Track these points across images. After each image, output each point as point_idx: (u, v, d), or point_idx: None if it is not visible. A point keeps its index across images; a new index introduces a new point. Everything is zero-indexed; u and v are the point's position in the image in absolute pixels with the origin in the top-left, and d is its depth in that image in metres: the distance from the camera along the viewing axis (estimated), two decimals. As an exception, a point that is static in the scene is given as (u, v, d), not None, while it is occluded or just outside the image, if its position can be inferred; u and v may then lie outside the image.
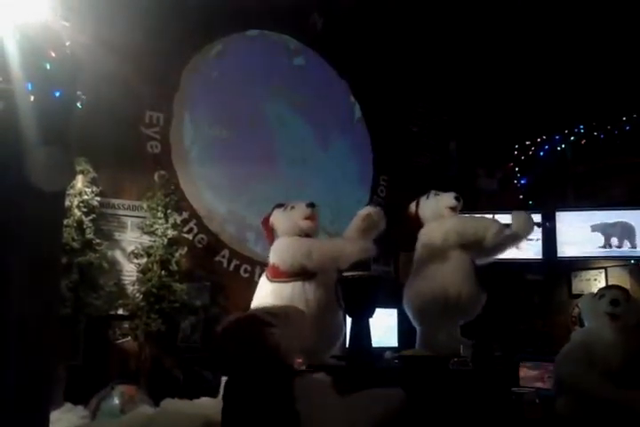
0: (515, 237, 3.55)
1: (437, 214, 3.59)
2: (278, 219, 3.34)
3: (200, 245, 4.30)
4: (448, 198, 3.61)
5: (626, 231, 5.01)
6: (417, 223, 3.66)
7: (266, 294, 3.19)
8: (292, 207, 3.33)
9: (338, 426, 2.04)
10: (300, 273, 3.12)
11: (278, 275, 3.17)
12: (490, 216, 3.71)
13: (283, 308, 2.45)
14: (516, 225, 3.54)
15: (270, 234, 3.40)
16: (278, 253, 3.19)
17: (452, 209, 3.59)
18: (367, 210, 3.23)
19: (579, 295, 5.12)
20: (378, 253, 3.19)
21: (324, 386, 2.11)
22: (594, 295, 3.48)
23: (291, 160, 4.91)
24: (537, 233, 5.13)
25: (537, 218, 5.15)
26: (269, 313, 2.20)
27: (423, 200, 3.70)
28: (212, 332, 3.69)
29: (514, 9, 5.26)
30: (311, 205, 3.28)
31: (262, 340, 2.08)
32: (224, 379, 3.25)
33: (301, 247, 3.13)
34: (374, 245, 3.14)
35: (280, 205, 3.43)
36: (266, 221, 3.44)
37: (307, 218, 3.26)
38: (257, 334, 2.09)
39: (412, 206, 3.75)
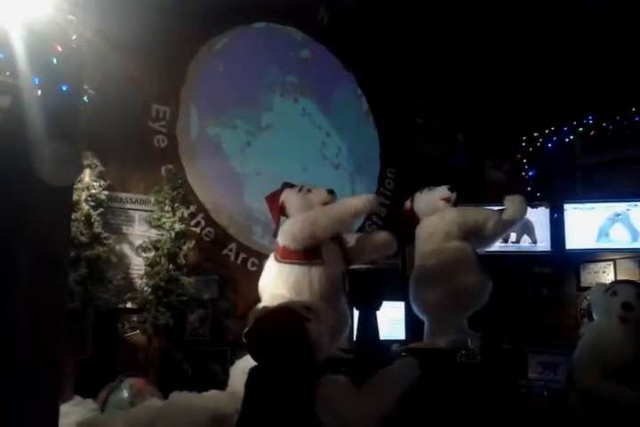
0: (510, 223, 3.58)
1: (432, 207, 3.62)
2: (292, 200, 3.35)
3: (207, 239, 4.30)
4: (442, 190, 3.65)
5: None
6: (413, 219, 3.69)
7: (273, 274, 3.21)
8: (309, 190, 3.34)
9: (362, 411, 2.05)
10: (309, 253, 3.14)
11: (287, 255, 3.19)
12: (498, 208, 3.70)
13: (314, 303, 2.47)
14: (510, 209, 3.55)
15: (277, 212, 3.40)
16: (288, 231, 3.20)
17: (446, 200, 3.62)
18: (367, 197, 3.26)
19: (587, 288, 5.11)
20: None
21: (348, 385, 2.11)
22: (605, 290, 3.42)
23: (297, 152, 4.90)
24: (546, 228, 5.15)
25: (546, 210, 5.16)
26: (304, 308, 2.22)
27: (418, 195, 3.74)
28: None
29: (521, 2, 5.22)
30: (332, 192, 3.31)
31: (300, 334, 2.09)
32: (232, 371, 3.29)
33: (308, 217, 3.18)
34: (378, 199, 3.23)
35: (290, 185, 3.43)
36: (274, 199, 3.43)
37: (325, 204, 3.28)
38: (296, 328, 2.10)
39: (407, 203, 3.77)
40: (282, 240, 3.22)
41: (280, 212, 3.39)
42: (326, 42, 5.18)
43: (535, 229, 5.12)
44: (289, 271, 3.16)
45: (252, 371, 2.20)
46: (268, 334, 2.16)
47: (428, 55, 5.65)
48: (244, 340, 2.25)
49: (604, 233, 5.05)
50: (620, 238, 5.04)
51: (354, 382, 2.13)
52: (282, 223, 3.37)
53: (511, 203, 3.58)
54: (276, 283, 3.19)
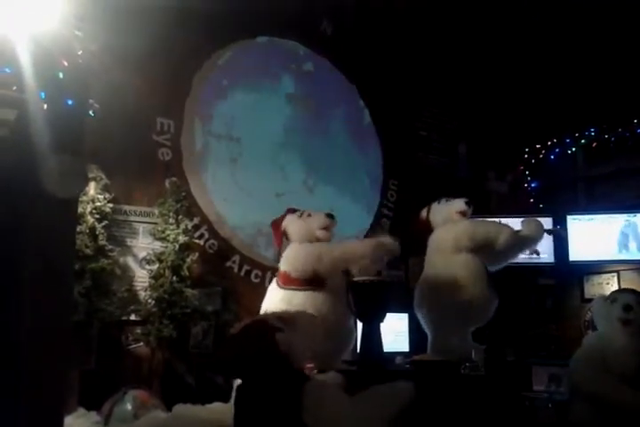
0: (525, 243, 3.55)
1: (448, 219, 3.60)
2: (293, 225, 3.36)
3: (211, 251, 4.31)
4: (459, 203, 3.63)
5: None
6: (427, 229, 3.67)
7: (276, 300, 3.20)
8: (309, 215, 3.34)
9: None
10: (311, 280, 3.13)
11: (289, 282, 3.18)
12: (500, 220, 3.70)
13: (292, 313, 2.46)
14: (526, 232, 3.54)
15: (280, 238, 3.41)
16: (290, 261, 3.20)
17: (462, 214, 3.60)
18: (381, 240, 3.21)
19: (591, 299, 5.07)
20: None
21: (334, 389, 2.11)
22: (606, 299, 3.46)
23: (301, 165, 4.93)
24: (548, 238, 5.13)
25: (548, 222, 5.15)
26: (278, 318, 2.21)
27: (434, 206, 3.72)
28: (224, 337, 3.70)
29: (523, 12, 5.25)
30: (330, 216, 3.31)
31: (271, 345, 2.08)
32: (236, 384, 3.29)
33: (313, 252, 3.16)
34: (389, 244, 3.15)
35: (293, 210, 3.45)
36: (277, 225, 3.44)
37: (324, 228, 3.29)
38: (265, 339, 2.10)
39: (424, 212, 3.76)
40: (284, 267, 3.22)
41: (282, 237, 3.40)
42: (329, 55, 5.22)
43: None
44: (291, 296, 3.15)
45: (239, 388, 2.20)
46: (238, 350, 2.15)
47: (431, 67, 5.68)
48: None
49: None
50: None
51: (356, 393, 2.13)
52: (284, 246, 3.37)
53: (527, 226, 3.57)
54: (277, 308, 3.17)
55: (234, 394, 3.27)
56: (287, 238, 3.40)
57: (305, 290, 3.13)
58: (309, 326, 2.30)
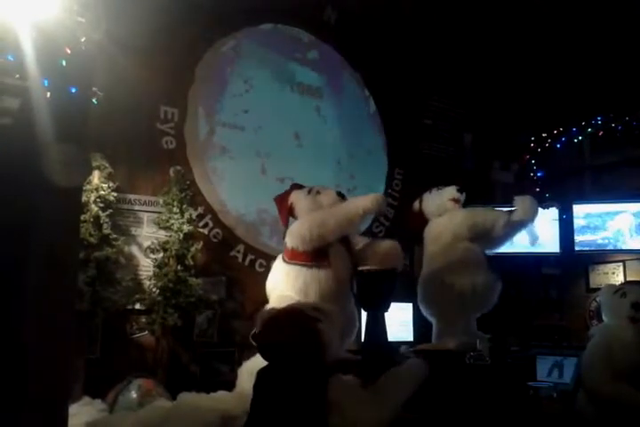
0: (520, 224, 3.53)
1: (441, 208, 3.61)
2: (301, 201, 3.36)
3: (215, 240, 4.31)
4: (451, 191, 3.63)
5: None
6: (421, 219, 3.67)
7: (280, 275, 3.22)
8: (318, 192, 3.34)
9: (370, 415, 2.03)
10: (316, 255, 3.14)
11: (295, 257, 3.19)
12: (507, 209, 3.68)
13: (324, 305, 2.47)
14: (520, 210, 3.51)
15: (286, 214, 3.40)
16: (295, 233, 3.20)
17: (455, 201, 3.61)
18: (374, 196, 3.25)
19: (596, 289, 5.08)
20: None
21: (358, 388, 2.10)
22: (615, 291, 3.41)
23: (305, 154, 4.90)
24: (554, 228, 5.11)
25: (554, 211, 5.13)
26: (315, 309, 2.21)
27: (426, 196, 3.73)
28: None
29: (528, 1, 5.20)
30: (341, 195, 3.32)
31: (312, 334, 2.08)
32: (240, 372, 3.30)
33: (315, 218, 3.19)
34: (385, 198, 3.23)
35: (299, 186, 3.44)
36: (283, 200, 3.43)
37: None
38: (308, 329, 2.10)
39: (416, 204, 3.76)
40: (290, 242, 3.22)
41: (288, 213, 3.40)
42: (333, 42, 5.18)
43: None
44: (297, 273, 3.16)
45: (261, 372, 2.19)
46: (280, 335, 2.15)
47: (436, 56, 5.64)
48: (252, 342, 2.24)
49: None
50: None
51: (362, 384, 2.13)
52: (290, 224, 3.37)
53: (521, 203, 3.53)
54: (283, 284, 3.20)
55: (238, 382, 3.31)
56: (293, 215, 3.40)
57: (309, 266, 3.15)
58: (338, 318, 2.31)
